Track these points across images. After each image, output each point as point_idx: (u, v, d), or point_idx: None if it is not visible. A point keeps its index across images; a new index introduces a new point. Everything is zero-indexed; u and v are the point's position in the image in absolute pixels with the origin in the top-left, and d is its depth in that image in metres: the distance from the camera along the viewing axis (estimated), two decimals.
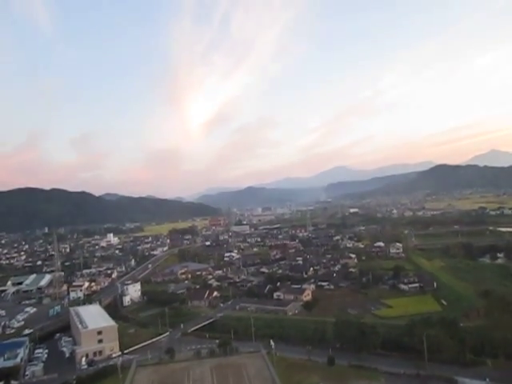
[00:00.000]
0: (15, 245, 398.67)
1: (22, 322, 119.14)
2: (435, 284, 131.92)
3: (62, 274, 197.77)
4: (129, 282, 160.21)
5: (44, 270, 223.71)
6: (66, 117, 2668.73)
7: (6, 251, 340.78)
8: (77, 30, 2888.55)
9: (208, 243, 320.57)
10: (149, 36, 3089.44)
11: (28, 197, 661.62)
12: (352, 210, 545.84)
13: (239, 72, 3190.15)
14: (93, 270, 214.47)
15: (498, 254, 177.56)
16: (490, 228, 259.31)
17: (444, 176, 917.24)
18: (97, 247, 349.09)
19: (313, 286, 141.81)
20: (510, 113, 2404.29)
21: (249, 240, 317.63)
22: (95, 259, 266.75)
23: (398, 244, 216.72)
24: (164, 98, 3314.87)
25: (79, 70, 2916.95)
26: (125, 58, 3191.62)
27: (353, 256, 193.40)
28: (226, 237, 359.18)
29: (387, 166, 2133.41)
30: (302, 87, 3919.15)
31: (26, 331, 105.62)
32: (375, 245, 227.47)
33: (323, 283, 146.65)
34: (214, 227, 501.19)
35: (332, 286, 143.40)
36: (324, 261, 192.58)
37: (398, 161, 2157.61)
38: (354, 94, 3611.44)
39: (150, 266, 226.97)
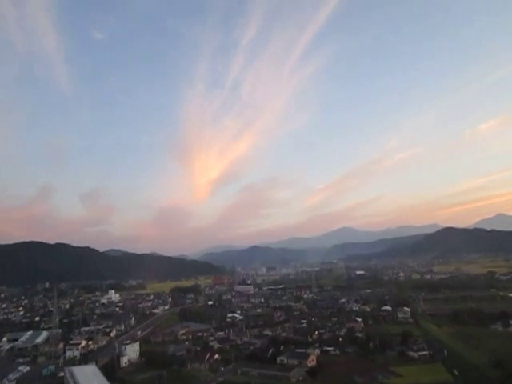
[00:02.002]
0: (14, 299, 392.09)
1: (14, 382, 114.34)
2: (445, 352, 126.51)
3: (60, 331, 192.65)
4: (127, 341, 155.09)
5: (41, 327, 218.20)
6: (77, 172, 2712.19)
7: (4, 306, 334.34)
8: (92, 88, 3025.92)
9: (211, 303, 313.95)
10: (162, 98, 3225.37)
11: (32, 250, 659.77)
12: (358, 272, 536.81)
13: (248, 133, 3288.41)
14: (91, 328, 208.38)
15: (511, 321, 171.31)
16: (501, 293, 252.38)
17: (451, 239, 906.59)
18: (97, 304, 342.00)
19: (318, 351, 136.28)
20: None
21: (252, 300, 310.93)
22: (95, 316, 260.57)
23: (405, 308, 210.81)
24: (172, 157, 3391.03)
25: (92, 126, 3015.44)
26: (136, 118, 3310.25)
27: (359, 320, 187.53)
28: (230, 296, 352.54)
29: (393, 227, 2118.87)
30: (308, 149, 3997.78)
31: None
32: (382, 308, 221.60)
33: (328, 348, 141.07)
34: (217, 286, 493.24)
35: (338, 352, 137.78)
36: (329, 324, 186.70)
37: (404, 223, 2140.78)
38: (360, 157, 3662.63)
39: (150, 325, 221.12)
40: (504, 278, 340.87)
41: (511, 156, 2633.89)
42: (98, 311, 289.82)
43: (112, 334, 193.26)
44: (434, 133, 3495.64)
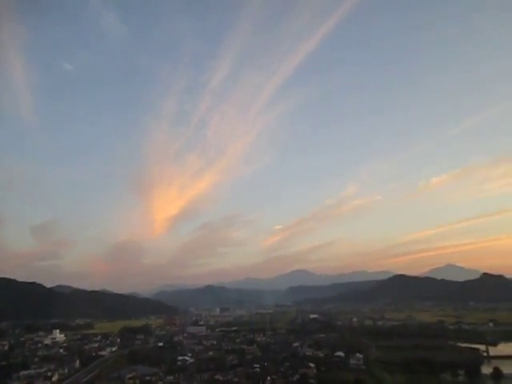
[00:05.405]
0: None
1: None
2: None
3: None
4: None
5: None
6: (28, 203, 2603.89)
7: None
8: (54, 116, 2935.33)
9: (161, 344, 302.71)
10: (125, 130, 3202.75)
11: None
12: (312, 316, 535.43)
13: (209, 172, 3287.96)
14: (32, 372, 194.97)
15: (459, 371, 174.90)
16: (450, 343, 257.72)
17: (403, 286, 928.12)
18: (40, 345, 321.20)
19: None
20: (463, 231, 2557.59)
21: (204, 342, 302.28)
22: (36, 359, 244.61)
23: (358, 355, 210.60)
24: (130, 190, 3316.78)
25: (49, 155, 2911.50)
26: (96, 149, 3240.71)
27: (312, 365, 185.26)
28: (181, 338, 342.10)
29: (347, 272, 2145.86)
30: (267, 191, 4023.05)
31: None
32: (335, 354, 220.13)
33: None
34: (168, 327, 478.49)
35: None
36: (282, 369, 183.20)
37: (357, 268, 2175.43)
38: (317, 201, 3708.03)
39: (95, 368, 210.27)
40: (452, 327, 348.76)
41: (459, 209, 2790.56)
42: (40, 353, 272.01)
43: (54, 379, 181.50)
44: (390, 183, 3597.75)
